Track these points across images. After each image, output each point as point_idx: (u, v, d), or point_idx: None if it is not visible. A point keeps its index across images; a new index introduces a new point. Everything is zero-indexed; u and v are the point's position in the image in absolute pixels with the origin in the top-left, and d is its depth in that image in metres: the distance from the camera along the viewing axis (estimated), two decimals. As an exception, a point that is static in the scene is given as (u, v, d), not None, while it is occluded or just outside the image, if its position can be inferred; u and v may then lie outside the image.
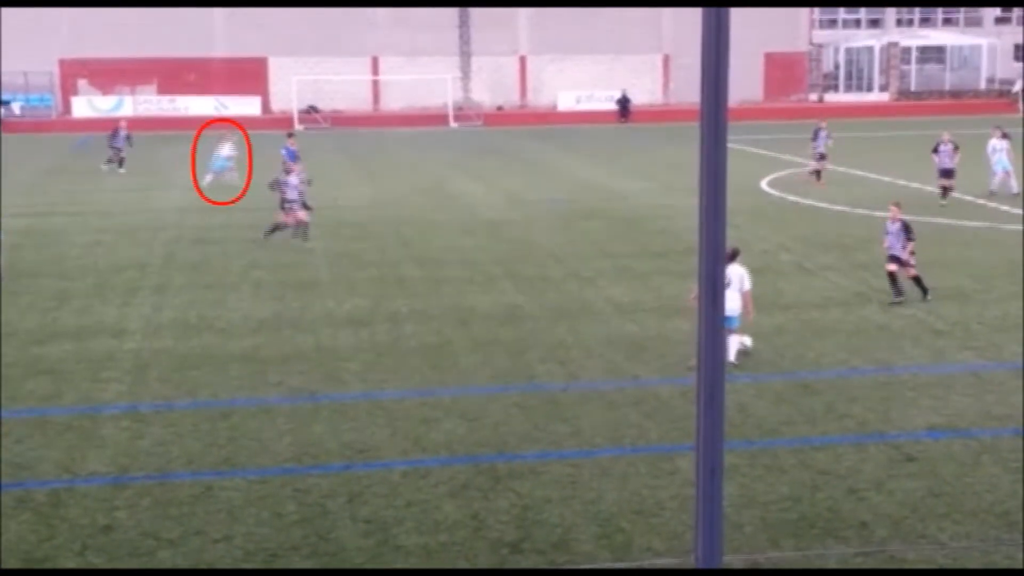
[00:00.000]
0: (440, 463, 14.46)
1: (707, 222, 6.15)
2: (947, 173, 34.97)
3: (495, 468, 14.27)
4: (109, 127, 50.09)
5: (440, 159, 52.30)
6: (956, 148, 34.86)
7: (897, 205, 22.97)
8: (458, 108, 76.31)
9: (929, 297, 22.45)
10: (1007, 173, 37.25)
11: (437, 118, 73.93)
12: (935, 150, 35.69)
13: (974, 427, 15.66)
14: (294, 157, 35.35)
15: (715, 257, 6.23)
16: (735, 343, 18.76)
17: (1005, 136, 37.42)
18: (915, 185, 39.88)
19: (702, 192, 6.04)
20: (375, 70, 79.77)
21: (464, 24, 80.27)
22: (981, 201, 34.19)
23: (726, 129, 6.05)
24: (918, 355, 19.29)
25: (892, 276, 22.49)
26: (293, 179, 29.44)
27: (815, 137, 41.17)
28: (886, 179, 40.81)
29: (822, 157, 40.68)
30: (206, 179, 41.71)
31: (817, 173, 40.70)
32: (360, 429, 15.74)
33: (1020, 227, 31.25)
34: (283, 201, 29.40)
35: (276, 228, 29.69)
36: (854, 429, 15.64)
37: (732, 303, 18.50)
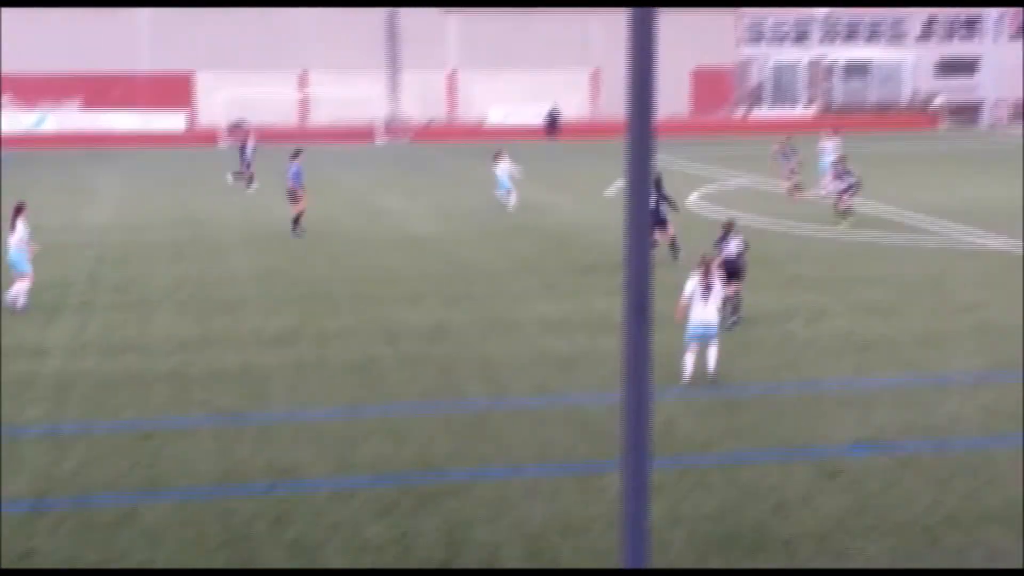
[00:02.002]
0: (367, 483, 14.37)
1: (633, 237, 6.09)
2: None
3: (422, 488, 14.19)
4: (34, 144, 48.44)
5: (368, 176, 52.14)
6: None
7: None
8: (388, 122, 76.11)
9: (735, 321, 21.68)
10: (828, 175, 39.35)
11: (364, 134, 73.63)
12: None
13: (897, 441, 15.82)
14: (299, 178, 33.48)
15: (641, 272, 6.16)
16: (715, 355, 19.04)
17: (836, 132, 40.07)
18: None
19: (628, 206, 5.99)
20: (303, 85, 79.41)
21: (393, 38, 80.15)
22: (894, 218, 34.64)
23: (654, 137, 5.98)
24: (843, 370, 19.46)
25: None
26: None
27: (785, 154, 41.42)
28: (807, 193, 41.13)
29: (794, 172, 40.95)
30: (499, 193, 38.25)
31: (794, 187, 41.08)
32: (286, 449, 15.59)
33: (937, 243, 31.69)
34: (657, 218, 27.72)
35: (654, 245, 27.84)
36: (780, 445, 15.74)
37: (712, 316, 18.78)
